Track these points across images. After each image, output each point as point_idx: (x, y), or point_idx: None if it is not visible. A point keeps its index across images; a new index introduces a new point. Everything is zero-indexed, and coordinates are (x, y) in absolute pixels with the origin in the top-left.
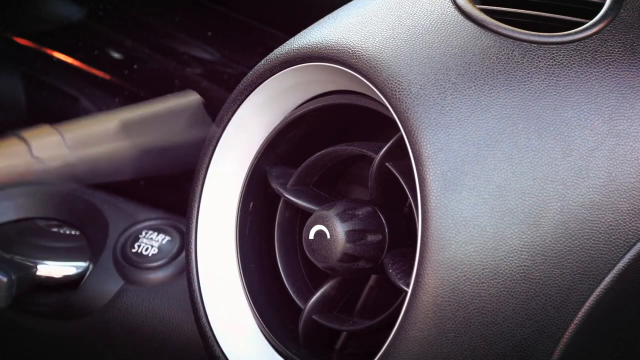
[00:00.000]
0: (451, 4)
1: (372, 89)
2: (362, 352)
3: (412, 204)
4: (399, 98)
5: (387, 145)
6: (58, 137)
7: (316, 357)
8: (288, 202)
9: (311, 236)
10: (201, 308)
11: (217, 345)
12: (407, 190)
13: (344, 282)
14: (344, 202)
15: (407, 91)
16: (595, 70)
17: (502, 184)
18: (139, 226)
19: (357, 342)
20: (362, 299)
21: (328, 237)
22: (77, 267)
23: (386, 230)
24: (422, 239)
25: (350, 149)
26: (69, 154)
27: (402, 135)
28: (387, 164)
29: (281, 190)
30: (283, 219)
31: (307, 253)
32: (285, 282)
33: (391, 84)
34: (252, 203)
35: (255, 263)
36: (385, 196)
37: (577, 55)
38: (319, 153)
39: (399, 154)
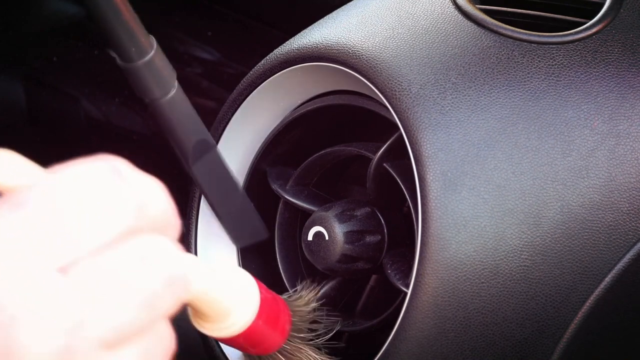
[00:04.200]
0: (451, 4)
1: (372, 89)
2: (362, 352)
3: (410, 204)
4: (399, 98)
5: (385, 145)
6: None
7: None
8: (288, 203)
9: (310, 237)
10: None
11: (217, 345)
12: (404, 191)
13: (343, 282)
14: (342, 202)
15: (407, 91)
16: (595, 70)
17: (502, 184)
18: None
19: (357, 342)
20: (362, 299)
21: (326, 238)
22: None
23: (385, 230)
24: (422, 239)
25: (349, 149)
26: None
27: (400, 136)
28: (384, 164)
29: (280, 191)
30: (283, 219)
31: (306, 254)
32: (286, 283)
33: (391, 84)
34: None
35: (255, 264)
36: (384, 196)
37: (577, 55)
38: (319, 153)
39: (397, 154)
